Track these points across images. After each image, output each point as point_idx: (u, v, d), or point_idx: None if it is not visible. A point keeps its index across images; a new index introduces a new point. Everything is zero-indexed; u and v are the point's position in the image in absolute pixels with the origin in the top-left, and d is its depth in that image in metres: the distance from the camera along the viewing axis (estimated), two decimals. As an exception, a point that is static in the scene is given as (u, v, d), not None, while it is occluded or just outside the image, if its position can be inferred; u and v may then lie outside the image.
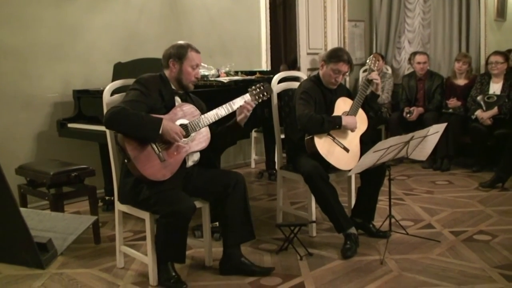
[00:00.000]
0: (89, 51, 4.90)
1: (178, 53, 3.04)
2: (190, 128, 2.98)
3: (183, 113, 3.01)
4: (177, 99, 3.09)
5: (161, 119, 2.85)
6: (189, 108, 3.05)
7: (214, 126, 3.14)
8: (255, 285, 2.95)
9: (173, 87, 3.08)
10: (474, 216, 4.06)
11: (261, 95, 3.17)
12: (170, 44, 3.14)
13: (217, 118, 3.05)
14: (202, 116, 3.02)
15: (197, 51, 3.11)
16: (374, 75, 3.58)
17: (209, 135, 3.07)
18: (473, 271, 3.03)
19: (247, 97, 3.12)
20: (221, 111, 3.05)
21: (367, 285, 2.90)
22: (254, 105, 3.11)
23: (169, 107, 3.01)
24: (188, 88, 3.11)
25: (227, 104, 3.07)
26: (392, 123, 6.05)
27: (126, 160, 2.88)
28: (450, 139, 5.53)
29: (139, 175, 2.84)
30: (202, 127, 3.02)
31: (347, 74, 3.66)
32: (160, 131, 2.82)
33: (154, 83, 3.01)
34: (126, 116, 2.79)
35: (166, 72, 3.09)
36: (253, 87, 3.18)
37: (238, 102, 3.09)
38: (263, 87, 3.19)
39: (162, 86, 3.03)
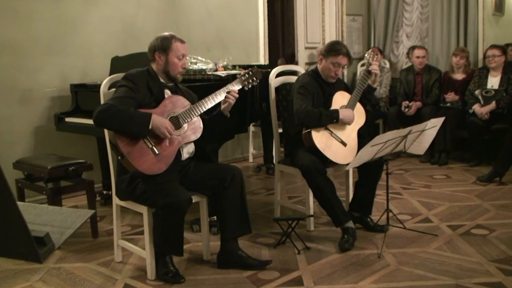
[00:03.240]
0: (87, 45, 4.89)
1: (163, 45, 3.01)
2: (181, 119, 2.96)
3: (173, 105, 2.99)
4: (167, 92, 3.07)
5: (150, 114, 2.83)
6: (179, 99, 3.04)
7: (205, 116, 3.13)
8: (253, 279, 2.95)
9: (161, 80, 3.06)
10: (471, 210, 4.07)
11: (250, 80, 3.18)
12: None
13: (208, 107, 3.03)
14: (193, 106, 3.02)
15: (182, 41, 3.06)
16: (375, 67, 3.57)
17: (201, 124, 3.05)
18: (471, 265, 3.04)
19: (233, 85, 3.12)
20: (211, 100, 3.04)
21: (365, 279, 2.90)
22: (237, 95, 3.08)
23: (159, 100, 2.99)
24: (176, 79, 3.08)
25: (216, 92, 3.07)
26: (390, 117, 6.05)
27: (120, 157, 2.87)
28: (448, 133, 5.53)
29: (135, 171, 2.84)
30: (194, 117, 3.00)
31: (345, 67, 3.66)
32: (150, 127, 2.81)
33: (142, 78, 2.98)
34: (114, 113, 2.77)
35: (153, 66, 3.06)
36: (242, 73, 3.20)
37: (228, 89, 3.10)
38: (251, 72, 3.20)
39: (150, 80, 3.00)
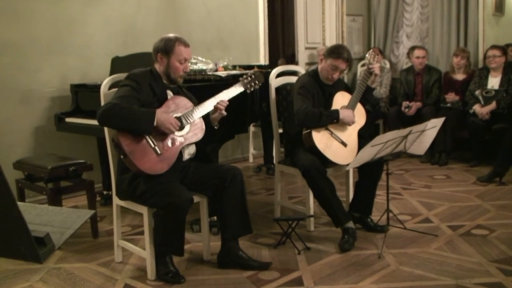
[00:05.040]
0: (87, 45, 4.89)
1: (166, 47, 3.00)
2: (184, 120, 2.97)
3: (176, 106, 3.00)
4: (169, 93, 3.07)
5: (154, 111, 2.84)
6: (182, 100, 3.04)
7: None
8: (253, 279, 2.95)
9: (164, 81, 3.07)
10: (471, 211, 4.07)
11: (252, 84, 3.18)
12: None
13: (211, 108, 3.04)
14: (196, 107, 3.02)
15: (186, 45, 3.04)
16: (376, 67, 3.56)
17: (203, 126, 3.05)
18: (471, 265, 3.04)
19: (235, 87, 3.12)
20: (213, 101, 3.04)
21: (365, 279, 2.90)
22: (226, 104, 3.05)
23: (161, 101, 2.99)
24: (177, 82, 3.08)
25: (220, 94, 3.07)
26: (390, 117, 6.05)
27: (122, 156, 2.87)
28: (448, 134, 5.53)
29: (137, 171, 2.84)
30: (196, 119, 3.01)
31: (345, 72, 3.65)
32: (155, 123, 2.81)
33: (145, 78, 2.98)
34: (119, 110, 2.78)
35: (156, 66, 3.06)
36: (244, 76, 3.20)
37: (232, 92, 3.10)
38: (254, 75, 3.20)
39: (153, 80, 3.01)
